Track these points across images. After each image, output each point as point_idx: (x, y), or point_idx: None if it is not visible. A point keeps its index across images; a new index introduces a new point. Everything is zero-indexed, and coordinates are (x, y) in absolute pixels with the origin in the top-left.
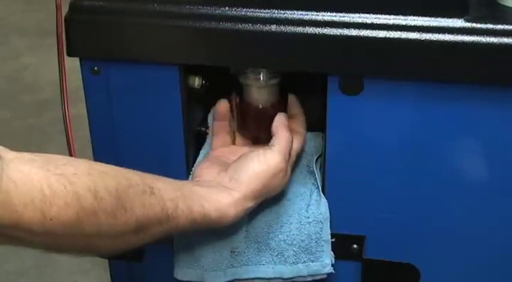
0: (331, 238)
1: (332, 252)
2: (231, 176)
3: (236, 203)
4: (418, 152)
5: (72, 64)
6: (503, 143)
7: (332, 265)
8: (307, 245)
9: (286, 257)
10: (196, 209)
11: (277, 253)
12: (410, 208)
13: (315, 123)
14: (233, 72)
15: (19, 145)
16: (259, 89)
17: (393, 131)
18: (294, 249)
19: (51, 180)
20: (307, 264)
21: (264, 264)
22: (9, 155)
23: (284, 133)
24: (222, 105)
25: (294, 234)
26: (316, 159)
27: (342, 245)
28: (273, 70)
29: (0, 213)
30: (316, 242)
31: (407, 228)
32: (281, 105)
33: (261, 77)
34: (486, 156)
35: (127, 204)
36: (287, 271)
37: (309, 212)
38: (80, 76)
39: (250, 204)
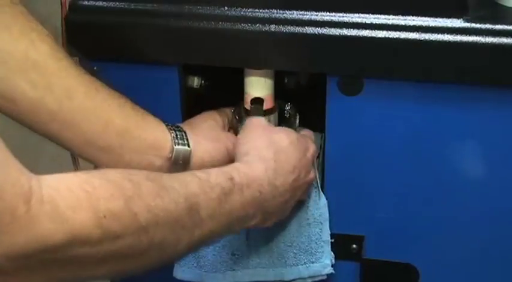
0: (331, 238)
1: (332, 253)
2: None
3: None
4: (417, 152)
5: None
6: (503, 143)
7: (332, 265)
8: (307, 246)
9: (286, 259)
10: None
11: (277, 255)
12: (409, 208)
13: (314, 123)
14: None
15: (17, 144)
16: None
17: (392, 131)
18: (294, 251)
19: (90, 179)
20: (307, 265)
21: (264, 267)
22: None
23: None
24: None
25: (293, 236)
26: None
27: (341, 245)
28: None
29: (51, 228)
30: (316, 243)
31: (406, 228)
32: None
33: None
34: (486, 156)
35: (167, 184)
36: (287, 273)
37: (308, 214)
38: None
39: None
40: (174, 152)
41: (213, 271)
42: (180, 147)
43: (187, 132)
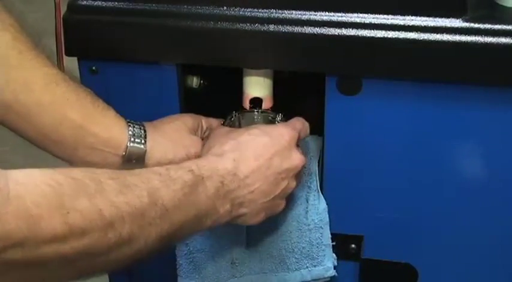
0: (332, 241)
1: (334, 255)
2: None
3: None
4: (416, 151)
5: (71, 64)
6: (502, 143)
7: (334, 268)
8: (308, 251)
9: (288, 264)
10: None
11: (279, 261)
12: (408, 208)
13: (313, 124)
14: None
15: (15, 144)
16: None
17: (391, 131)
18: (296, 256)
19: (56, 176)
20: (309, 269)
21: (266, 273)
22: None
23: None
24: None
25: (294, 242)
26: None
27: (340, 245)
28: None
29: (17, 224)
30: (317, 247)
31: (405, 228)
32: None
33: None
34: (485, 156)
35: (129, 181)
36: (290, 278)
37: (309, 219)
38: (78, 76)
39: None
40: (127, 151)
41: (216, 281)
42: (135, 146)
43: (149, 131)
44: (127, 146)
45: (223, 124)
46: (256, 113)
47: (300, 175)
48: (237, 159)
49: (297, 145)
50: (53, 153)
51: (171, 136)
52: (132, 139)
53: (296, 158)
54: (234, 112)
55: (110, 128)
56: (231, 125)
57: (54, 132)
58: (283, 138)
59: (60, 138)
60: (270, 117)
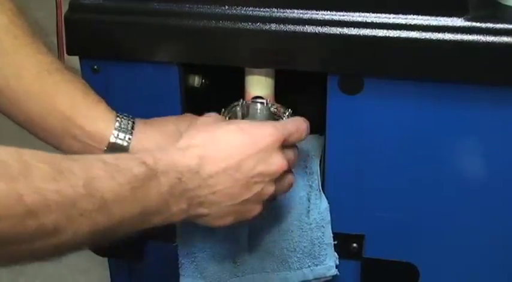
0: (333, 240)
1: (336, 254)
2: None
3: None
4: (417, 151)
5: (72, 63)
6: (503, 143)
7: (336, 267)
8: (310, 250)
9: (290, 263)
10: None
11: (281, 260)
12: (409, 207)
13: (314, 123)
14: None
15: (13, 144)
16: None
17: (393, 130)
18: (298, 255)
19: None
20: (311, 268)
21: (268, 272)
22: None
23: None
24: None
25: (296, 241)
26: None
27: (341, 244)
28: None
29: None
30: (319, 246)
31: (406, 227)
32: None
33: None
34: (486, 156)
35: (65, 167)
36: (292, 277)
37: (311, 218)
38: (80, 75)
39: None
40: (109, 146)
41: (218, 280)
42: (118, 142)
43: (139, 124)
44: (109, 142)
45: (223, 113)
46: (260, 105)
47: (283, 180)
48: (203, 156)
49: (292, 146)
50: (41, 139)
51: (163, 129)
52: (116, 134)
53: (275, 163)
54: (241, 100)
55: (96, 122)
56: (232, 116)
57: (42, 121)
58: (264, 139)
59: (48, 127)
60: (274, 112)
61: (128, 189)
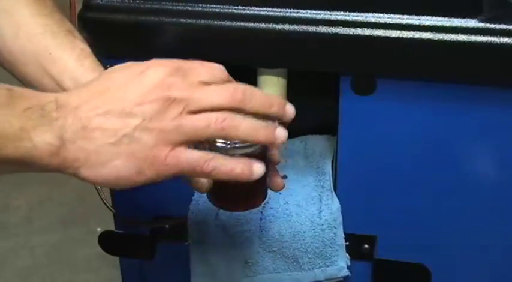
0: (345, 241)
1: (347, 255)
2: None
3: None
4: (430, 152)
5: None
6: None
7: (348, 267)
8: (321, 250)
9: (301, 264)
10: None
11: (292, 261)
12: (421, 208)
13: (326, 124)
14: None
15: None
16: None
17: (406, 132)
18: (309, 256)
19: None
20: (323, 269)
21: (279, 272)
22: None
23: None
24: None
25: (307, 242)
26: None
27: (353, 245)
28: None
29: None
30: (330, 247)
31: (418, 229)
32: None
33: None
34: (499, 158)
35: None
36: (303, 277)
37: (322, 219)
38: None
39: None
40: None
41: (229, 280)
42: None
43: None
44: None
45: None
46: None
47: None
48: (81, 95)
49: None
50: None
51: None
52: None
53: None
54: None
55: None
56: None
57: (35, 82)
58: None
59: (41, 88)
60: None
61: None
